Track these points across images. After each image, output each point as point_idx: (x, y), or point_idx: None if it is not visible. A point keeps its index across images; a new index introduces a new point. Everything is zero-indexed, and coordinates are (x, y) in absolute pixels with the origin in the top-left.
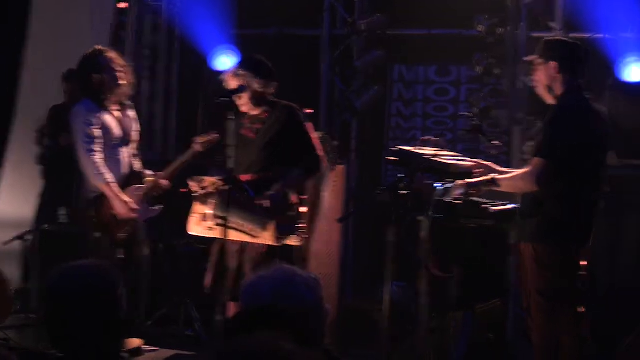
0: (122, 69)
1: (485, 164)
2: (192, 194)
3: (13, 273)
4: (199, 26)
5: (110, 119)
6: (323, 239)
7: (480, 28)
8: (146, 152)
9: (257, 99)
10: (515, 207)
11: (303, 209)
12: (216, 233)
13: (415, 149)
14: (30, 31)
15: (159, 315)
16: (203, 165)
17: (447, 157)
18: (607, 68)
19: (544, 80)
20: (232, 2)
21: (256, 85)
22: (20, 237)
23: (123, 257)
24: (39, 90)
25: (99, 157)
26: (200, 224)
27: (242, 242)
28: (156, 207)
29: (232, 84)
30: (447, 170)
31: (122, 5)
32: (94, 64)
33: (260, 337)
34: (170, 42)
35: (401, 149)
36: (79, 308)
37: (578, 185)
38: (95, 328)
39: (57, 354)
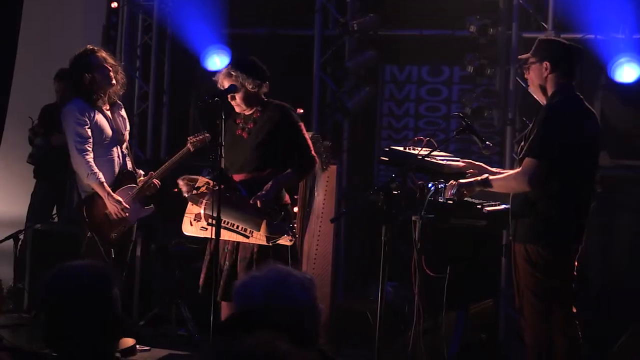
0: (113, 69)
1: (477, 164)
2: (183, 194)
3: (5, 272)
4: (190, 26)
5: (101, 119)
6: (316, 239)
7: (472, 29)
8: (138, 152)
9: (251, 99)
10: (507, 208)
11: (295, 209)
12: (209, 233)
13: (407, 149)
14: (21, 32)
15: (151, 315)
16: (195, 165)
17: (439, 157)
18: (599, 68)
19: (537, 80)
20: (223, 2)
21: (249, 85)
22: (12, 237)
23: (115, 256)
24: (30, 89)
25: (90, 157)
26: (194, 224)
27: (234, 241)
28: (148, 207)
29: (225, 84)
30: (440, 171)
31: (113, 4)
32: (86, 63)
33: (256, 337)
34: (161, 41)
35: (393, 149)
36: (75, 308)
37: (570, 186)
38: (91, 328)
39: (51, 353)
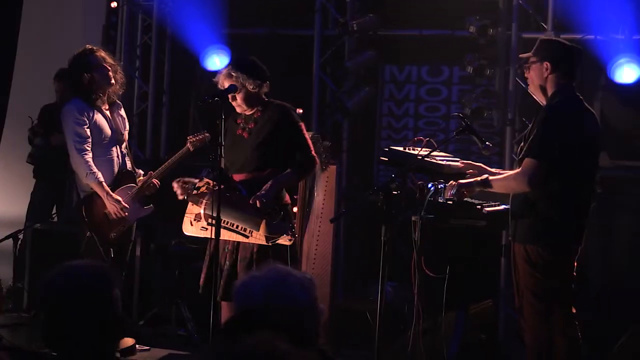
0: (112, 68)
1: (477, 165)
2: (178, 197)
3: (5, 272)
4: (190, 25)
5: (100, 118)
6: (315, 239)
7: (472, 29)
8: (137, 152)
9: (252, 100)
10: (507, 208)
11: (295, 209)
12: (209, 233)
13: (407, 149)
14: (21, 32)
15: (150, 314)
16: (194, 165)
17: (439, 157)
18: (599, 69)
19: (537, 80)
20: (223, 2)
21: (250, 86)
22: (11, 236)
23: (114, 256)
24: (30, 89)
25: (89, 156)
26: (194, 224)
27: (235, 241)
28: (147, 207)
29: (226, 85)
30: (440, 171)
31: (113, 4)
32: (85, 63)
33: (256, 337)
34: (161, 41)
35: (393, 149)
36: (74, 308)
37: (570, 186)
38: (90, 328)
39: (50, 353)
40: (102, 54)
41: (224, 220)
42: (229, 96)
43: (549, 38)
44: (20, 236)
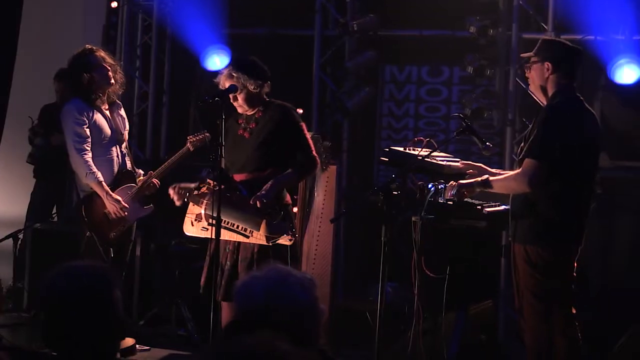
0: (112, 68)
1: (477, 165)
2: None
3: (5, 272)
4: (190, 25)
5: (100, 118)
6: (315, 239)
7: (472, 29)
8: (137, 152)
9: (253, 100)
10: (507, 209)
11: (295, 209)
12: (210, 233)
13: (407, 150)
14: (21, 32)
15: (150, 314)
16: (194, 165)
17: (439, 157)
18: (599, 70)
19: (538, 80)
20: (223, 2)
21: (251, 86)
22: (11, 236)
23: (114, 256)
24: (30, 89)
25: (89, 156)
26: (195, 224)
27: (235, 241)
28: (147, 207)
29: (227, 85)
30: (440, 171)
31: (113, 4)
32: (84, 63)
33: (256, 337)
34: (161, 41)
35: (393, 150)
36: (74, 308)
37: (570, 187)
38: (91, 328)
39: (50, 353)
40: (102, 54)
41: (225, 221)
42: (230, 96)
43: (550, 38)
44: (20, 236)
